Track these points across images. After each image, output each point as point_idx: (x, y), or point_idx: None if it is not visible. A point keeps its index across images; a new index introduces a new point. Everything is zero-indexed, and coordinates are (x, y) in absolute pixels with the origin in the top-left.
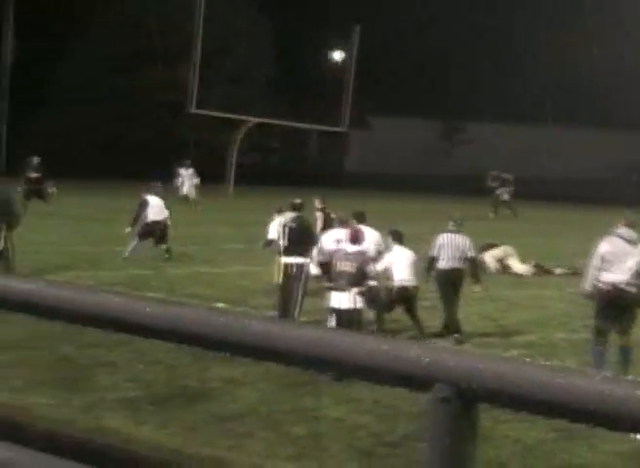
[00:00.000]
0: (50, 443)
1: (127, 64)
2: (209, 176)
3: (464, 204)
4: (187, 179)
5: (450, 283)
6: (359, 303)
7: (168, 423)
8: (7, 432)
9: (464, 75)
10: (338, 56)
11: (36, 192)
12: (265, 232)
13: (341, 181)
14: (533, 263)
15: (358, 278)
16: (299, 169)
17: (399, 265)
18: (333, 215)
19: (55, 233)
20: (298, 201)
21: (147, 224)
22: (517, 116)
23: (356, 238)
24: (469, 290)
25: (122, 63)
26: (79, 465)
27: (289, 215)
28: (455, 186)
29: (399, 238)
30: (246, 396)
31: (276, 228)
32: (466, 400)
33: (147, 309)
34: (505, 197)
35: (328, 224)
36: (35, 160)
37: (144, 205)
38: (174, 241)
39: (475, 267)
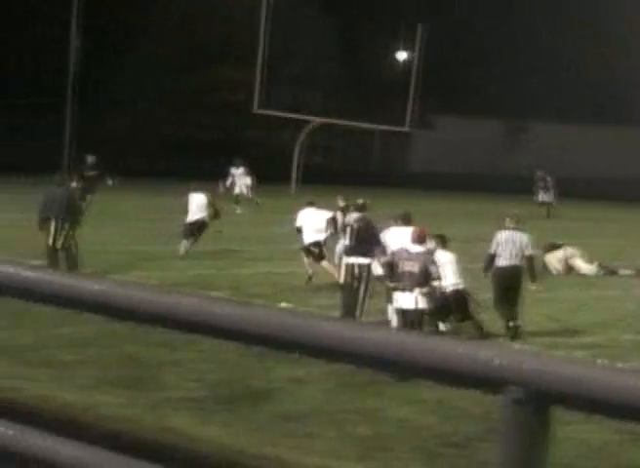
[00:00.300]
0: (116, 441)
1: (192, 64)
2: (272, 176)
3: (527, 203)
4: (238, 179)
5: (507, 280)
6: (422, 304)
7: (232, 423)
8: (74, 431)
9: (529, 74)
10: (402, 55)
11: (90, 190)
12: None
13: (405, 181)
14: (597, 263)
15: (422, 278)
16: (362, 169)
17: (448, 269)
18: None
19: (117, 233)
20: (361, 201)
21: (189, 224)
22: (581, 116)
23: (420, 238)
24: (529, 289)
25: (187, 64)
26: (144, 464)
27: (353, 216)
28: (517, 186)
29: (444, 242)
30: (310, 396)
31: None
32: (539, 402)
33: (218, 310)
34: (546, 199)
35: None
36: (90, 158)
37: (187, 203)
38: (236, 241)
39: (532, 265)
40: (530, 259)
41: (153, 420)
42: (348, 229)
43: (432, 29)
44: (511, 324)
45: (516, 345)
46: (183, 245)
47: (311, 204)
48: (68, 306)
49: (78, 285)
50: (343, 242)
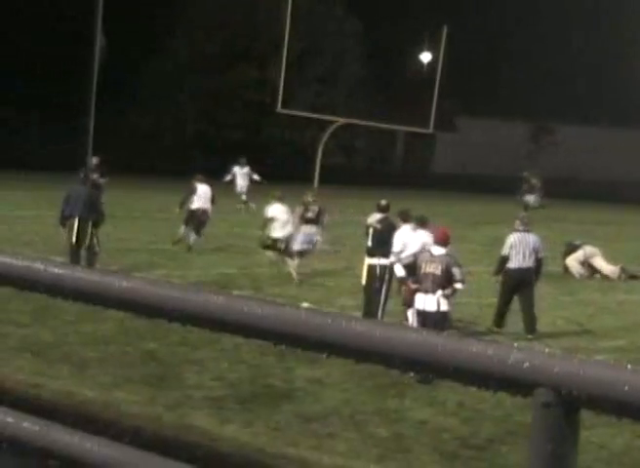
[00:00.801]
0: (136, 439)
1: (216, 64)
2: (295, 176)
3: (551, 206)
4: (241, 178)
5: (518, 282)
6: (444, 306)
7: (252, 422)
8: (95, 427)
9: (554, 77)
10: (426, 56)
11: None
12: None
13: (427, 183)
14: (620, 267)
15: (443, 280)
16: (384, 170)
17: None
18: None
19: (138, 231)
20: (384, 202)
21: (191, 211)
22: (607, 119)
23: (443, 240)
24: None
25: (210, 63)
26: (165, 461)
27: (375, 216)
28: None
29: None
30: (330, 396)
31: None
32: (568, 405)
33: (246, 309)
34: (532, 203)
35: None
36: (94, 160)
37: (193, 191)
38: (256, 240)
39: (540, 267)
40: (540, 261)
41: (174, 418)
42: (371, 230)
43: (457, 31)
44: (530, 336)
45: (545, 348)
46: (182, 229)
47: (280, 199)
48: (97, 303)
49: (106, 282)
50: (366, 243)
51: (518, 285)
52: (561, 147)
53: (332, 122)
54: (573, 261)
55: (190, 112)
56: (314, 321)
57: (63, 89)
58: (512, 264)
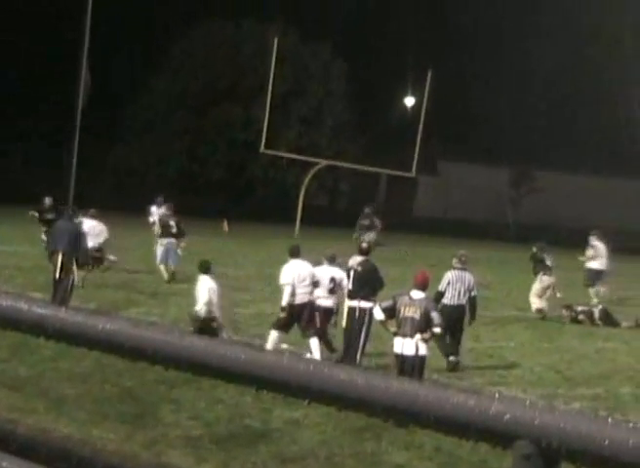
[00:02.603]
0: None
1: (200, 102)
2: (276, 216)
3: (526, 250)
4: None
5: (452, 318)
6: (422, 350)
7: (229, 463)
8: (71, 465)
9: (536, 123)
10: (410, 100)
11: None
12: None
13: (409, 226)
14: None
15: (422, 324)
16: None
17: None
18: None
19: (118, 268)
20: (365, 245)
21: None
22: (589, 167)
23: (422, 284)
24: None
25: (195, 101)
26: None
27: (356, 259)
28: (522, 234)
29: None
30: (307, 438)
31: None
32: (548, 457)
33: (228, 354)
34: (365, 242)
35: (165, 232)
36: (47, 200)
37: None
38: (239, 280)
39: (475, 304)
40: (474, 299)
41: (150, 457)
42: (352, 272)
43: (441, 74)
44: (452, 358)
45: (526, 399)
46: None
47: (93, 216)
48: (81, 345)
49: (90, 323)
50: (347, 286)
51: (451, 320)
52: (541, 194)
53: (315, 163)
54: (535, 299)
55: (174, 149)
56: (297, 367)
57: (48, 124)
58: (448, 301)
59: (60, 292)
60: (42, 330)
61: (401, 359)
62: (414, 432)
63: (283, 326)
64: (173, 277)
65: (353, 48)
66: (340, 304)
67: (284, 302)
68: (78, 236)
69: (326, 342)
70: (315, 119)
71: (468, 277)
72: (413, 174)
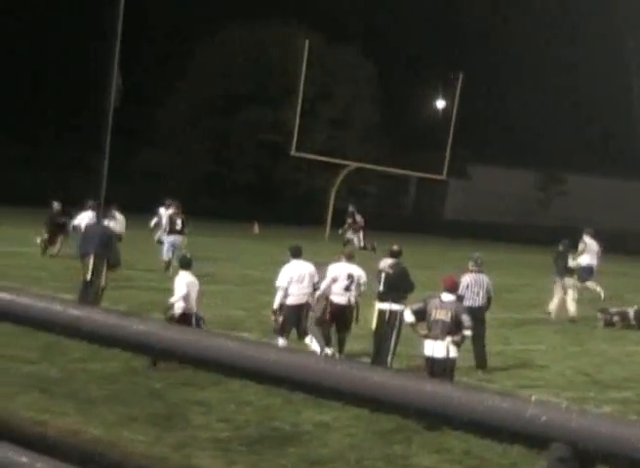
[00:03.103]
0: None
1: (227, 105)
2: (306, 219)
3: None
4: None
5: (476, 319)
6: (453, 353)
7: (258, 465)
8: (100, 466)
9: (565, 126)
10: (440, 103)
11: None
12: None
13: (439, 229)
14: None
15: (452, 327)
16: (396, 215)
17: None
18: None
19: (146, 270)
20: (395, 247)
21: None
22: (617, 170)
23: (452, 287)
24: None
25: (222, 104)
26: None
27: (387, 261)
28: (550, 237)
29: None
30: (336, 440)
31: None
32: (583, 461)
33: (261, 355)
34: (349, 238)
35: (173, 228)
36: (57, 205)
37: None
38: (263, 283)
39: (489, 305)
40: (489, 300)
41: (179, 459)
42: (382, 275)
43: (469, 79)
44: (480, 372)
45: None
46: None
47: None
48: (113, 346)
49: (123, 325)
50: (376, 287)
51: (477, 321)
52: (570, 196)
53: (344, 166)
54: (573, 305)
55: (202, 152)
56: (329, 369)
57: (77, 127)
58: (468, 303)
59: (92, 293)
60: (76, 331)
61: (431, 362)
62: (444, 435)
63: (283, 329)
64: (168, 267)
65: (382, 51)
66: (357, 301)
67: (275, 305)
68: (109, 238)
69: (325, 336)
70: (344, 122)
71: (485, 279)
72: (444, 176)
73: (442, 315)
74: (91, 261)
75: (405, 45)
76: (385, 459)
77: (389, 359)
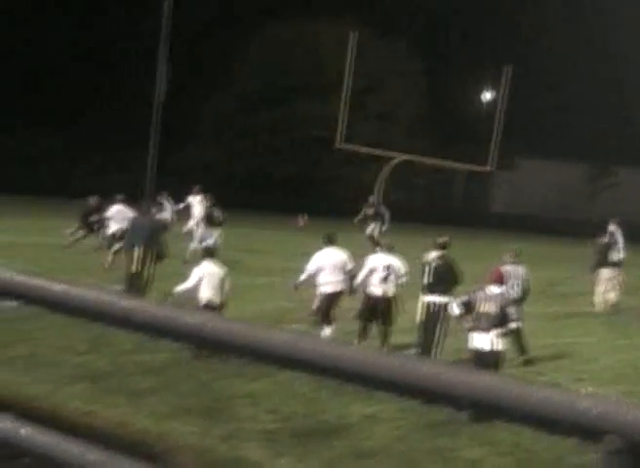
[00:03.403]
0: None
1: (276, 98)
2: (352, 212)
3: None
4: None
5: None
6: (499, 345)
7: (305, 457)
8: (149, 458)
9: (616, 118)
10: (488, 95)
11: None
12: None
13: (486, 221)
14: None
15: (499, 320)
16: (444, 207)
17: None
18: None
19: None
20: (442, 239)
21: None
22: None
23: (498, 279)
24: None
25: (271, 97)
26: None
27: (432, 254)
28: (598, 231)
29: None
30: (383, 433)
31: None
32: (637, 454)
33: (311, 347)
34: (371, 231)
35: (209, 218)
36: (93, 200)
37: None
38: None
39: (527, 295)
40: (526, 292)
41: (227, 450)
42: (427, 267)
43: (516, 71)
44: (521, 358)
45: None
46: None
47: (121, 201)
48: (166, 337)
49: (175, 317)
50: (422, 280)
51: None
52: (620, 189)
53: (391, 159)
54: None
55: (250, 146)
56: (382, 361)
57: (124, 121)
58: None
59: (139, 285)
60: (128, 322)
61: (477, 355)
62: (492, 428)
63: (324, 319)
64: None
65: (430, 43)
66: (397, 293)
67: (298, 282)
68: (156, 230)
69: (364, 329)
70: (391, 115)
71: (522, 270)
72: (489, 168)
73: (488, 308)
74: (136, 254)
75: (453, 38)
76: (433, 452)
77: (435, 352)
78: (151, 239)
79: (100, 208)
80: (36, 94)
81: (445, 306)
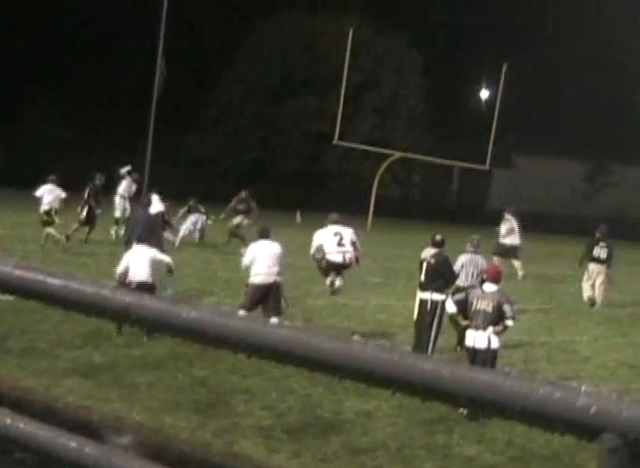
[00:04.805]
0: (185, 465)
1: (275, 93)
2: (349, 208)
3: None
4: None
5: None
6: (495, 343)
7: (300, 453)
8: (144, 452)
9: (616, 117)
10: (485, 93)
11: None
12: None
13: (482, 218)
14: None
15: (495, 317)
16: (440, 204)
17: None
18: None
19: (194, 258)
20: (438, 237)
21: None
22: None
23: (496, 277)
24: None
25: (270, 92)
26: None
27: (429, 251)
28: (595, 228)
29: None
30: (378, 429)
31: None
32: (635, 451)
33: (312, 343)
34: (238, 223)
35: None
36: (99, 178)
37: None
38: (309, 271)
39: None
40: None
41: (221, 446)
42: (424, 264)
43: (514, 69)
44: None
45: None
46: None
47: (52, 181)
48: (164, 332)
49: (174, 311)
50: (419, 278)
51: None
52: (618, 187)
53: (388, 155)
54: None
55: (248, 139)
56: (381, 358)
57: (123, 113)
58: (462, 282)
59: None
60: (126, 317)
61: (473, 352)
62: (486, 425)
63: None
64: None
65: (428, 40)
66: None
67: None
68: (153, 224)
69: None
70: (389, 111)
71: (481, 260)
72: (487, 167)
73: (484, 305)
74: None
75: (451, 35)
76: (427, 449)
77: (430, 349)
78: (147, 233)
79: (104, 189)
80: (38, 86)
81: (440, 304)
